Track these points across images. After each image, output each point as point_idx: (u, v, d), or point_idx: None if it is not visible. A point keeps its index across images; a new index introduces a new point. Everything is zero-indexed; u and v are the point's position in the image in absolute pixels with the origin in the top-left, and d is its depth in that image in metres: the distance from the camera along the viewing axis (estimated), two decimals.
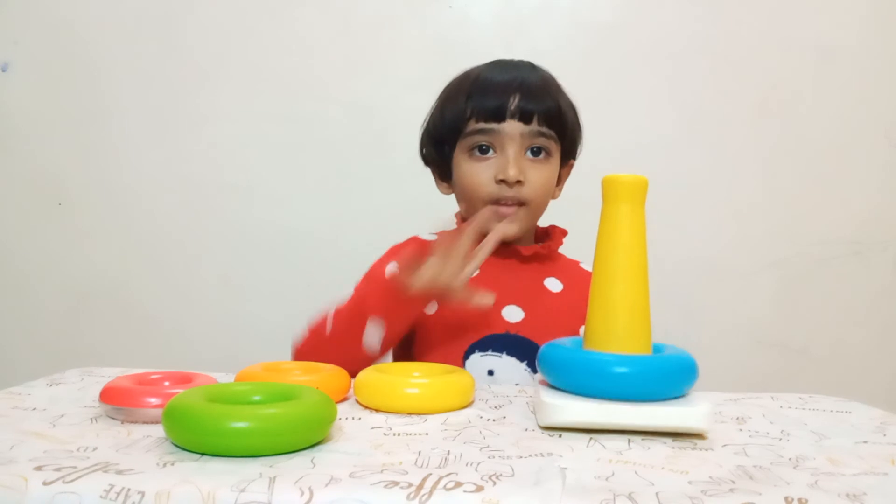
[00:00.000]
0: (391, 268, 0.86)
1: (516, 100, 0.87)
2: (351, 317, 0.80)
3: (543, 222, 0.99)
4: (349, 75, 1.50)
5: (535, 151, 0.89)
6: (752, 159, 1.51)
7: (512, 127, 0.87)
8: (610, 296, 0.58)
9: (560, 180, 0.97)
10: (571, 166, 0.99)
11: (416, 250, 0.79)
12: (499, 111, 0.87)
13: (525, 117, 0.87)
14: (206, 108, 1.52)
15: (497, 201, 0.89)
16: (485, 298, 0.78)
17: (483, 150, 0.89)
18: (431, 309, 0.90)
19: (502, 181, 0.87)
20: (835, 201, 1.51)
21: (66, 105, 1.53)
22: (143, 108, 1.52)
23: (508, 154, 0.87)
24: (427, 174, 0.99)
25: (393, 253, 0.96)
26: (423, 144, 0.98)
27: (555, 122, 0.89)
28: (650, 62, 1.50)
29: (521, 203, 0.89)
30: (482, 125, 0.88)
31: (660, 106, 1.50)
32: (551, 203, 0.97)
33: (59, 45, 1.52)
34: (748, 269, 1.52)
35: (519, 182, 0.87)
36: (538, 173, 0.89)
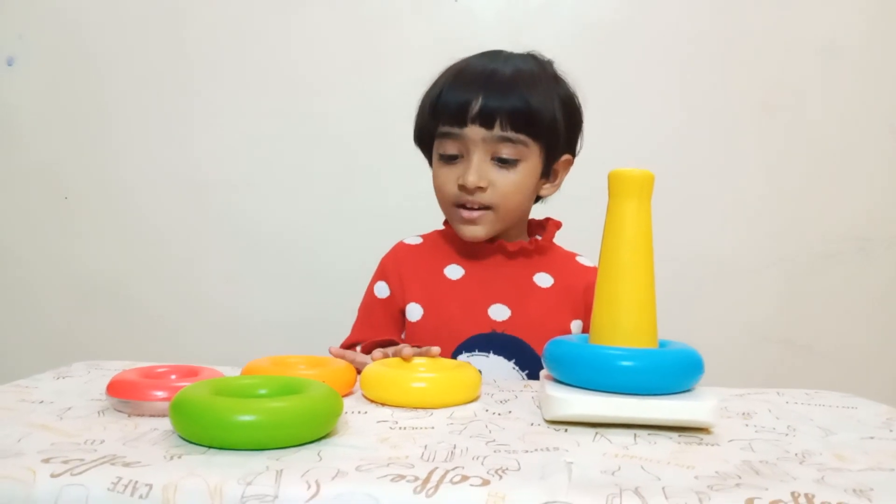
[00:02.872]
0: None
1: (479, 101, 0.83)
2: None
3: (540, 214, 0.98)
4: (353, 71, 1.50)
5: (501, 160, 0.85)
6: (757, 156, 1.50)
7: (474, 132, 0.83)
8: (616, 290, 0.58)
9: (556, 176, 0.93)
10: (570, 162, 0.93)
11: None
12: (460, 115, 0.83)
13: (486, 121, 0.83)
14: (211, 105, 1.52)
15: (461, 205, 0.87)
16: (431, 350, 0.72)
17: (450, 151, 0.87)
18: (416, 316, 0.90)
19: (463, 186, 0.85)
20: (840, 198, 1.51)
21: (71, 100, 1.53)
22: (149, 104, 1.52)
23: (472, 159, 0.84)
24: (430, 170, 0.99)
25: (378, 273, 0.96)
26: (414, 139, 0.95)
27: (522, 122, 0.83)
28: (655, 59, 1.49)
29: (487, 206, 0.87)
30: (447, 129, 0.86)
31: (665, 103, 1.49)
32: (554, 199, 0.96)
33: (63, 39, 1.52)
34: (754, 265, 1.51)
35: (480, 188, 0.85)
36: (504, 178, 0.85)
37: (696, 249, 1.49)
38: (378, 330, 0.92)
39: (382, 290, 0.94)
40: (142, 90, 1.52)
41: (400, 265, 0.95)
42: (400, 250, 0.97)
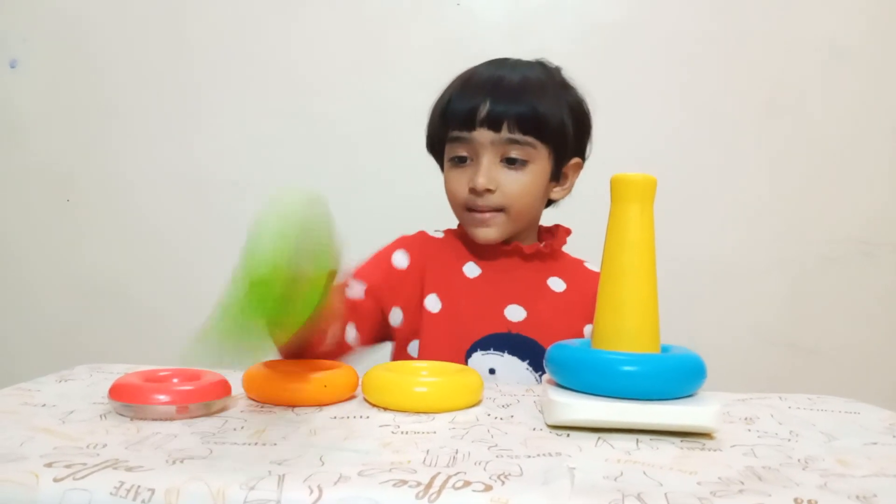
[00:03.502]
0: None
1: (486, 105, 0.85)
2: None
3: (549, 221, 0.99)
4: (354, 72, 1.50)
5: (510, 160, 0.86)
6: (761, 158, 1.50)
7: (482, 135, 0.85)
8: (619, 295, 0.58)
9: (566, 179, 0.94)
10: (580, 165, 0.94)
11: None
12: (469, 119, 0.85)
13: (494, 124, 0.84)
14: (213, 106, 1.52)
15: (472, 208, 0.89)
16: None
17: (461, 156, 0.88)
18: (436, 307, 0.90)
19: (473, 189, 0.86)
20: (844, 201, 1.51)
21: (74, 101, 1.53)
22: (151, 106, 1.53)
23: (481, 162, 0.86)
24: (434, 172, 0.99)
25: (400, 243, 0.95)
26: (427, 147, 0.97)
27: (529, 126, 0.85)
28: (656, 61, 1.49)
29: (498, 209, 0.88)
30: (456, 133, 0.87)
31: (668, 105, 1.49)
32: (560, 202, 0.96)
33: (66, 41, 1.52)
34: (757, 268, 1.51)
35: (489, 190, 0.86)
36: (513, 180, 0.87)
37: (698, 251, 1.49)
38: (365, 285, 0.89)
39: (401, 260, 0.92)
40: (144, 91, 1.53)
41: (425, 252, 0.94)
42: (426, 240, 0.97)
